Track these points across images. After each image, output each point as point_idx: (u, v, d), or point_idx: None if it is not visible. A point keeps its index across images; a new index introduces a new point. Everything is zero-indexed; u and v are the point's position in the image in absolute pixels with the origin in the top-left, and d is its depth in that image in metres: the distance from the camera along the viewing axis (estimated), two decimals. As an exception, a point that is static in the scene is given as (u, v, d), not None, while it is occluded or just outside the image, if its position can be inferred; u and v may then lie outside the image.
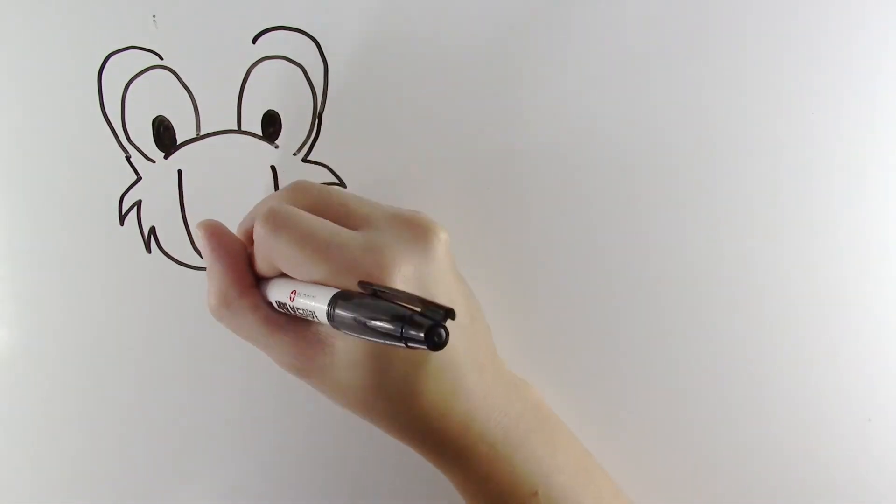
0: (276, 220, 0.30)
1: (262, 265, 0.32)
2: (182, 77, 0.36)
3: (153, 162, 0.37)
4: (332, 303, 0.28)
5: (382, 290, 0.27)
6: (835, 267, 0.38)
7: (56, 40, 0.36)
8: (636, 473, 0.39)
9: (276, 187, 0.37)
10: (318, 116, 0.37)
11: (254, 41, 0.36)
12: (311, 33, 0.36)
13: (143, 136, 0.37)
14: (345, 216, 0.32)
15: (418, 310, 0.25)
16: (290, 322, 0.32)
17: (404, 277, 0.29)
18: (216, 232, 0.33)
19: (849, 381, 0.39)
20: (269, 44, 0.36)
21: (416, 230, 0.31)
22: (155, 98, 0.36)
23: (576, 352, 0.39)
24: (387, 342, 0.26)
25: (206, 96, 0.36)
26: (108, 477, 0.38)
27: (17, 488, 0.38)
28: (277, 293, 0.31)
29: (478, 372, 0.32)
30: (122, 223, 0.37)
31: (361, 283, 0.28)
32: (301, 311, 0.30)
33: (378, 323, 0.26)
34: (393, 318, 0.25)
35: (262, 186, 0.37)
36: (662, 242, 0.38)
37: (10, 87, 0.36)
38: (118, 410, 0.38)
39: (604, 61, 0.37)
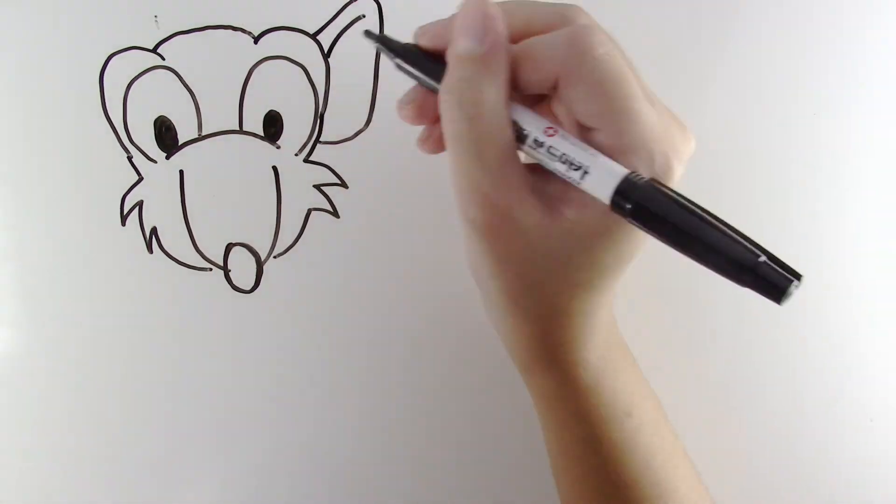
0: (601, 37, 0.26)
1: (534, 77, 0.26)
2: (184, 77, 0.36)
3: (155, 162, 0.37)
4: (621, 191, 0.24)
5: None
6: (836, 267, 0.38)
7: (58, 41, 0.36)
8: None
9: (278, 187, 0.37)
10: (319, 117, 0.37)
11: (255, 41, 0.36)
12: (312, 34, 0.36)
13: (145, 137, 0.37)
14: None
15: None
16: (530, 165, 0.28)
17: (680, 171, 0.27)
18: (497, 16, 0.26)
19: (851, 382, 0.39)
20: (270, 44, 0.36)
21: (684, 129, 0.28)
22: (156, 98, 0.36)
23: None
24: (718, 270, 0.24)
25: (208, 97, 0.37)
26: (109, 476, 0.38)
27: (17, 488, 0.38)
28: (535, 130, 0.26)
29: (612, 292, 0.30)
30: (123, 223, 0.37)
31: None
32: (560, 161, 0.26)
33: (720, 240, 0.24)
34: (749, 253, 0.24)
35: (264, 186, 0.37)
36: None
37: (12, 87, 0.36)
38: (118, 410, 0.38)
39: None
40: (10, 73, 0.36)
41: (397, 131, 0.37)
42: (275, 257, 0.38)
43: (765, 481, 0.39)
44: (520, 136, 0.27)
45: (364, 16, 0.36)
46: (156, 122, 0.37)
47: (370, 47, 0.36)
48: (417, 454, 0.39)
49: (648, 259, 0.38)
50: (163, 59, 0.36)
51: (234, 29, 0.36)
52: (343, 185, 0.37)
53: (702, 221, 0.25)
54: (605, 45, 0.26)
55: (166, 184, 0.37)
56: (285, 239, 0.37)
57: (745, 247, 0.24)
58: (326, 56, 0.37)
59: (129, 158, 0.37)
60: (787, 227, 0.38)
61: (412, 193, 0.37)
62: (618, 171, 0.25)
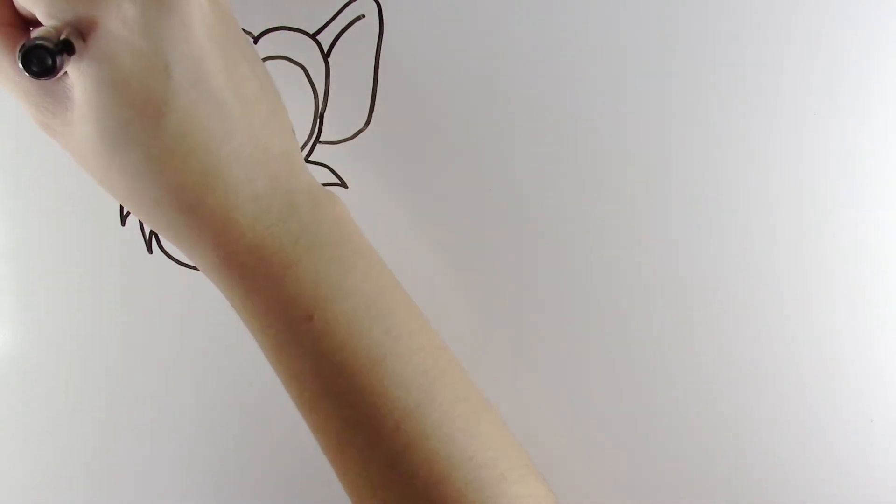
0: None
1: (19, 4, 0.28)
2: (184, 77, 0.36)
3: (155, 162, 0.37)
4: (23, 49, 0.24)
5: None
6: (837, 267, 0.38)
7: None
8: (636, 474, 0.39)
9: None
10: (319, 117, 0.37)
11: (255, 41, 0.36)
12: (312, 34, 0.36)
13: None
14: None
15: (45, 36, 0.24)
16: None
17: (127, 22, 0.25)
18: None
19: (851, 382, 0.39)
20: (270, 44, 0.36)
21: None
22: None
23: (573, 351, 0.39)
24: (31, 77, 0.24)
25: (208, 97, 0.36)
26: (109, 476, 0.38)
27: (18, 488, 0.38)
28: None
29: (239, 143, 0.27)
30: (123, 223, 0.37)
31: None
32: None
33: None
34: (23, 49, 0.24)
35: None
36: (664, 243, 0.38)
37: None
38: (118, 410, 0.38)
39: (604, 61, 0.37)
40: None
41: (397, 131, 0.37)
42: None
43: (765, 481, 0.39)
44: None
45: (364, 16, 0.36)
46: (155, 122, 0.37)
47: (370, 47, 0.37)
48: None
49: (640, 254, 0.38)
50: (163, 59, 0.36)
51: (234, 29, 0.36)
52: (343, 185, 0.37)
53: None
54: None
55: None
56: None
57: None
58: (326, 56, 0.37)
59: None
60: (787, 226, 0.38)
61: (412, 193, 0.37)
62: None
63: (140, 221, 0.37)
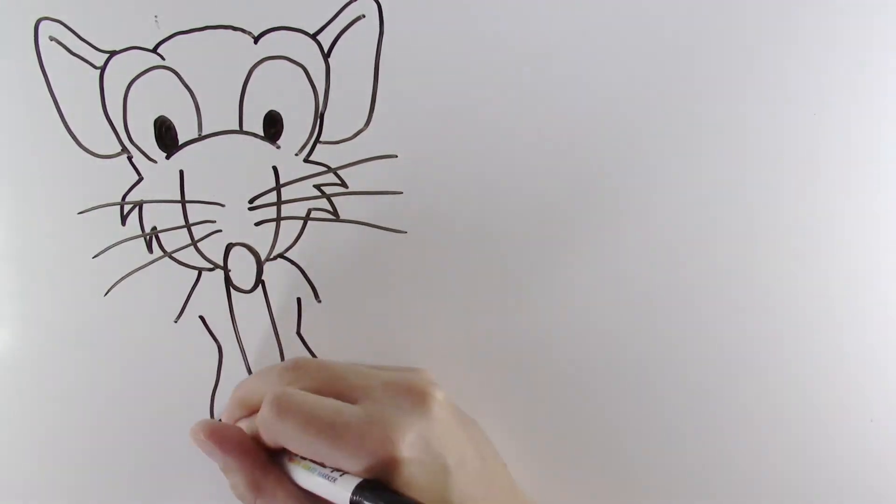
0: (280, 406, 0.32)
1: (270, 443, 0.33)
2: (184, 77, 0.36)
3: (155, 162, 0.37)
4: (357, 492, 0.29)
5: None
6: (837, 267, 0.38)
7: (57, 40, 0.36)
8: (636, 471, 0.39)
9: (278, 187, 0.37)
10: (319, 117, 0.37)
11: (255, 41, 0.36)
12: (312, 34, 0.36)
13: (145, 137, 0.37)
14: (345, 390, 0.33)
15: None
16: (312, 496, 0.32)
17: (409, 444, 0.31)
18: (216, 430, 0.34)
19: (851, 381, 0.39)
20: (270, 44, 0.36)
21: (413, 396, 0.32)
22: (156, 98, 0.36)
23: (572, 352, 0.39)
24: None
25: (208, 97, 0.37)
26: (109, 476, 0.38)
27: (18, 488, 0.38)
28: (296, 474, 0.33)
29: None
30: (123, 223, 0.37)
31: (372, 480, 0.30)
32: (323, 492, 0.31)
33: None
34: None
35: (264, 186, 0.37)
36: (664, 243, 0.38)
37: (11, 87, 0.36)
38: (118, 410, 0.38)
39: (604, 61, 0.37)
40: (10, 73, 0.36)
41: (397, 131, 0.37)
42: (275, 257, 0.38)
43: (764, 481, 0.39)
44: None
45: (364, 16, 0.36)
46: (156, 122, 0.37)
47: (370, 47, 0.37)
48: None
49: (632, 272, 0.38)
50: (163, 59, 0.36)
51: (234, 29, 0.36)
52: (343, 185, 0.37)
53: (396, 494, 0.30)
54: (284, 402, 0.32)
55: (166, 184, 0.37)
56: (285, 239, 0.37)
57: None
58: (326, 56, 0.37)
59: (129, 158, 0.37)
60: (787, 227, 0.38)
61: (412, 194, 0.37)
62: (344, 494, 0.30)
63: (140, 221, 0.37)
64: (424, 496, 0.30)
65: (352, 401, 0.32)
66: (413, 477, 0.30)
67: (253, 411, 0.35)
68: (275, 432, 0.32)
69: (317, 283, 0.38)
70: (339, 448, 0.31)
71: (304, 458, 0.32)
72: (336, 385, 0.33)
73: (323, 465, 0.32)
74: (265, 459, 0.34)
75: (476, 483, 0.32)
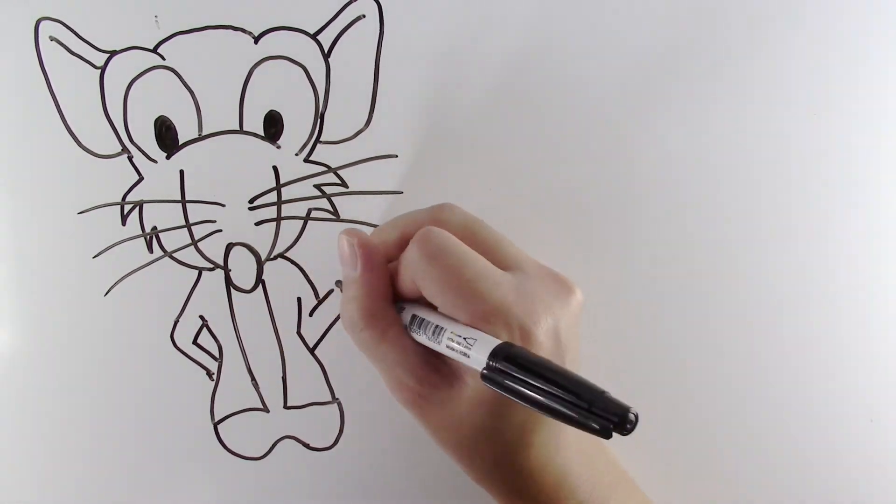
0: (431, 245, 0.31)
1: (406, 284, 0.32)
2: (184, 77, 0.36)
3: (155, 162, 0.37)
4: (494, 356, 0.27)
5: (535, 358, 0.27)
6: (837, 267, 0.38)
7: (58, 41, 0.36)
8: (636, 472, 0.39)
9: (278, 187, 0.37)
10: (319, 117, 0.37)
11: (256, 41, 0.36)
12: (312, 34, 0.36)
13: (146, 137, 0.37)
14: (494, 252, 0.32)
15: (602, 390, 0.25)
16: (422, 348, 0.32)
17: (546, 328, 0.30)
18: (367, 244, 0.33)
19: (851, 382, 0.39)
20: (270, 44, 0.36)
21: (561, 284, 0.32)
22: (157, 98, 0.36)
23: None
24: (553, 414, 0.25)
25: (208, 97, 0.37)
26: (109, 476, 0.38)
27: (18, 488, 0.38)
28: (420, 325, 0.31)
29: (557, 437, 0.32)
30: (123, 223, 0.37)
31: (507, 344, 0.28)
32: (447, 348, 0.30)
33: (554, 394, 0.25)
34: (580, 396, 0.25)
35: (264, 186, 0.37)
36: (668, 245, 0.38)
37: (12, 86, 0.36)
38: (118, 410, 0.38)
39: (605, 61, 0.37)
40: (10, 73, 0.36)
41: (397, 131, 0.37)
42: (275, 257, 0.38)
43: (764, 481, 0.39)
44: (416, 329, 0.31)
45: (364, 16, 0.36)
46: (156, 122, 0.37)
47: (370, 47, 0.37)
48: (418, 451, 0.38)
49: (633, 272, 0.38)
50: (163, 59, 0.36)
51: (234, 29, 0.36)
52: (343, 184, 0.37)
53: (548, 382, 0.26)
54: (436, 243, 0.31)
55: (166, 184, 0.37)
56: (285, 239, 0.37)
57: (589, 386, 0.25)
58: (326, 56, 0.37)
59: (130, 158, 0.37)
60: (786, 226, 0.38)
61: (412, 194, 0.37)
62: (479, 358, 0.28)
63: (141, 221, 0.37)
64: None
65: (501, 266, 0.31)
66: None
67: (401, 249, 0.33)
68: (420, 273, 0.31)
69: (317, 283, 0.38)
70: (481, 308, 0.29)
71: (429, 317, 0.31)
72: (486, 243, 0.32)
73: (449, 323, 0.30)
74: (391, 298, 0.32)
75: None
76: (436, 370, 0.31)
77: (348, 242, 0.33)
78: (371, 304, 0.32)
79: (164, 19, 0.36)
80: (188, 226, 0.37)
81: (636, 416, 0.24)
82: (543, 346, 0.30)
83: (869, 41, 0.38)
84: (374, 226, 0.37)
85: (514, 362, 0.27)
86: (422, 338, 0.31)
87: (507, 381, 0.26)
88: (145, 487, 0.39)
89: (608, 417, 0.24)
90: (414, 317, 0.32)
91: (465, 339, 0.29)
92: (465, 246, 0.31)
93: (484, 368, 0.27)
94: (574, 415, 0.24)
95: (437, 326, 0.30)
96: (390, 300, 0.33)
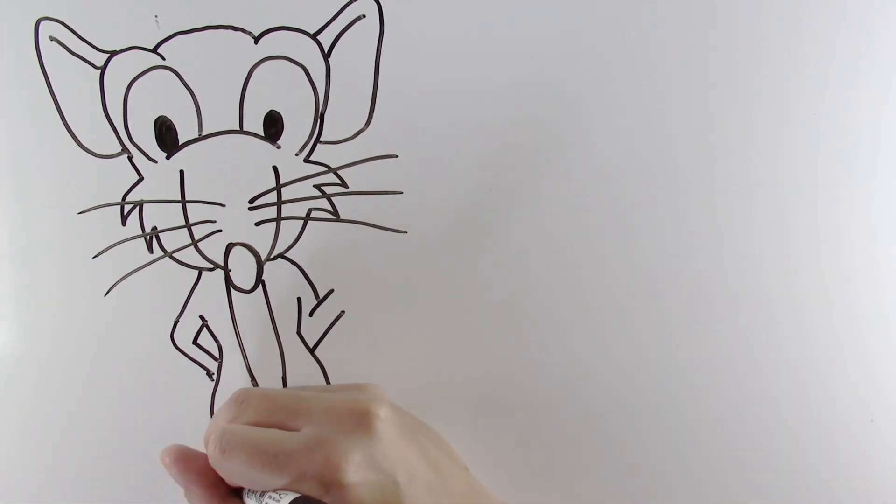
0: (223, 443, 0.32)
1: (226, 480, 0.33)
2: (184, 77, 0.36)
3: (155, 162, 0.37)
4: None
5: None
6: (836, 266, 0.38)
7: (58, 41, 0.36)
8: (635, 473, 0.39)
9: (278, 187, 0.37)
10: (319, 117, 0.37)
11: (256, 41, 0.36)
12: (312, 34, 0.36)
13: (146, 137, 0.37)
14: (287, 418, 0.33)
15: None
16: None
17: (356, 466, 0.31)
18: (182, 457, 0.34)
19: (851, 382, 0.39)
20: (270, 44, 0.36)
21: (355, 417, 0.32)
22: (157, 98, 0.37)
23: (572, 350, 0.39)
24: None
25: (208, 97, 0.37)
26: (109, 476, 0.38)
27: (18, 487, 0.38)
28: (249, 493, 0.33)
29: None
30: (123, 223, 0.37)
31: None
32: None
33: None
34: None
35: (264, 186, 0.37)
36: (664, 246, 0.38)
37: (12, 86, 0.36)
38: (118, 410, 0.38)
39: (606, 60, 0.37)
40: (10, 73, 0.36)
41: (397, 131, 0.37)
42: (275, 257, 0.38)
43: (764, 481, 0.39)
44: (248, 493, 0.33)
45: (364, 16, 0.36)
46: (156, 122, 0.37)
47: (370, 47, 0.37)
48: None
49: (640, 268, 0.38)
50: (163, 59, 0.36)
51: (234, 29, 0.36)
52: (343, 184, 0.37)
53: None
54: (224, 442, 0.32)
55: (166, 184, 0.37)
56: (285, 239, 0.37)
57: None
58: (326, 56, 0.37)
59: (130, 158, 0.37)
60: (786, 226, 0.38)
61: (412, 194, 0.37)
62: (289, 496, 0.30)
63: (141, 221, 0.37)
64: None
65: (295, 429, 0.32)
66: (362, 497, 0.30)
67: None
68: (224, 470, 0.32)
69: (317, 283, 0.38)
70: (285, 477, 0.31)
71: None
72: (278, 414, 0.33)
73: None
74: (226, 492, 0.34)
75: (429, 495, 0.32)
76: None
77: (162, 462, 0.35)
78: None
79: (164, 19, 0.36)
80: (188, 226, 0.37)
81: None
82: (361, 485, 0.31)
83: (870, 39, 0.38)
84: (375, 226, 0.37)
85: None
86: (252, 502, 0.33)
87: None
88: (145, 487, 0.39)
89: None
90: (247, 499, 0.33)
91: (279, 493, 0.31)
92: (255, 429, 0.32)
93: None
94: None
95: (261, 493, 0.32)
96: (228, 494, 0.34)
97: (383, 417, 0.32)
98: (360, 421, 0.32)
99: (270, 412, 0.33)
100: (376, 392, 0.36)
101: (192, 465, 0.34)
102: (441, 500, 0.32)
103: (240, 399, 0.34)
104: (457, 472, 0.35)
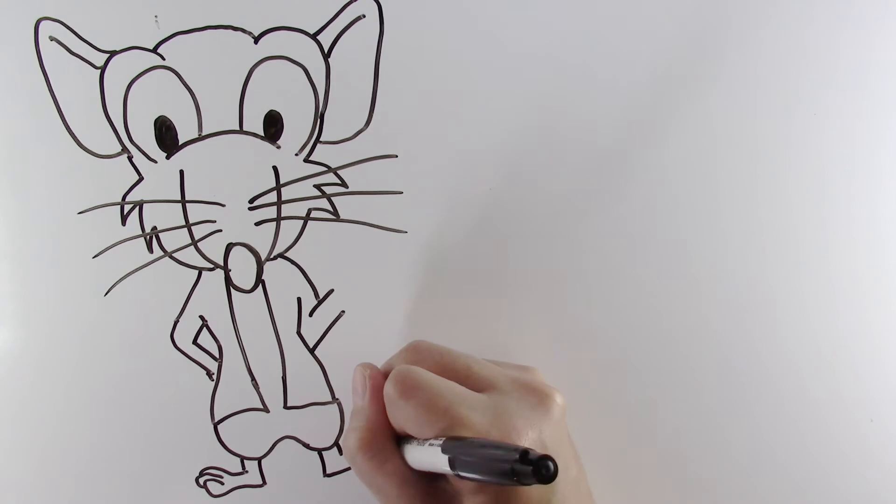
0: (404, 383, 0.32)
1: (394, 423, 0.33)
2: (184, 77, 0.36)
3: (155, 162, 0.37)
4: (447, 447, 0.29)
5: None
6: (837, 266, 0.38)
7: (58, 41, 0.36)
8: (635, 473, 0.39)
9: (278, 187, 0.37)
10: (319, 117, 0.37)
11: (256, 41, 0.36)
12: (312, 34, 0.36)
13: (146, 137, 0.37)
14: (468, 377, 0.33)
15: (523, 447, 0.26)
16: (420, 477, 0.32)
17: (531, 440, 0.31)
18: (376, 376, 0.34)
19: (851, 382, 0.39)
20: (270, 44, 0.36)
21: (538, 395, 0.32)
22: (157, 98, 0.37)
23: (573, 350, 0.39)
24: (501, 480, 0.26)
25: (208, 97, 0.37)
26: (109, 476, 0.38)
27: (18, 487, 0.39)
28: (410, 453, 0.32)
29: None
30: (123, 223, 0.37)
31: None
32: (430, 465, 0.30)
33: (491, 455, 0.26)
34: (502, 458, 0.26)
35: (264, 186, 0.37)
36: (666, 244, 0.38)
37: (12, 86, 0.36)
38: (118, 410, 0.38)
39: (606, 60, 0.37)
40: (9, 73, 0.36)
41: (397, 131, 0.37)
42: (275, 257, 0.38)
43: (765, 481, 0.39)
44: (409, 442, 0.32)
45: (364, 16, 0.36)
46: (156, 122, 0.37)
47: (370, 47, 0.37)
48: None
49: (636, 281, 0.38)
50: (163, 59, 0.36)
51: (234, 29, 0.36)
52: (343, 184, 0.37)
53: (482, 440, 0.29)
54: (409, 381, 0.32)
55: (166, 184, 0.37)
56: (285, 239, 0.37)
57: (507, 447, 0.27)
58: (326, 56, 0.37)
59: (130, 158, 0.37)
60: (786, 226, 0.38)
61: (412, 194, 0.37)
62: (442, 455, 0.29)
63: (141, 221, 0.37)
64: (532, 496, 0.30)
65: (477, 390, 0.32)
66: None
67: None
68: (398, 410, 0.32)
69: (317, 283, 0.38)
70: (459, 430, 0.30)
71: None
72: (460, 371, 0.33)
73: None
74: (392, 431, 0.33)
75: (573, 489, 0.32)
76: (436, 496, 0.32)
77: (362, 374, 0.34)
78: (370, 437, 0.33)
79: (164, 19, 0.36)
80: (188, 226, 0.37)
81: (554, 465, 0.26)
82: None
83: (871, 40, 0.38)
84: (375, 226, 0.37)
85: (460, 441, 0.29)
86: (415, 452, 0.32)
87: (465, 462, 0.28)
88: (145, 487, 0.39)
89: (529, 472, 0.25)
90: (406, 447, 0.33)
91: (435, 449, 0.30)
92: (438, 377, 0.32)
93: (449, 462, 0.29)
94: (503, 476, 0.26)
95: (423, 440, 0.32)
96: (390, 434, 0.33)
97: (560, 404, 0.33)
98: (542, 399, 0.32)
99: (449, 367, 0.33)
100: (543, 377, 0.36)
101: (380, 389, 0.33)
102: (578, 498, 0.33)
103: (419, 348, 0.34)
104: (586, 482, 0.35)
